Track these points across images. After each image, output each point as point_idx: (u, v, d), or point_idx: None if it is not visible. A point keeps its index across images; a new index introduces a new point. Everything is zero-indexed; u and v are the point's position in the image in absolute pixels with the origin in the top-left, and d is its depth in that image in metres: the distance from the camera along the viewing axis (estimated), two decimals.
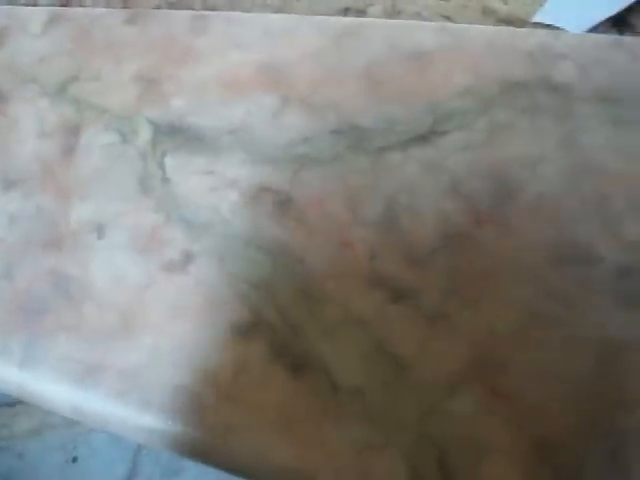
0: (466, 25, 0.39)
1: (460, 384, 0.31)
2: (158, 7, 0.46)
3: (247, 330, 0.34)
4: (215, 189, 0.37)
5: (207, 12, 0.43)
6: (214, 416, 0.33)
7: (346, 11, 0.43)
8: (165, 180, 0.38)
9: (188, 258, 0.36)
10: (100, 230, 0.38)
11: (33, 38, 0.46)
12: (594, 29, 0.39)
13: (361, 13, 0.43)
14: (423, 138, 0.36)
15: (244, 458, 0.32)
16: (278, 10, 0.44)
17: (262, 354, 0.33)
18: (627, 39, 0.38)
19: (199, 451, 0.33)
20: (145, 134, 0.40)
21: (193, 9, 0.46)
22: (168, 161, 0.39)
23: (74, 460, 0.96)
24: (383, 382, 0.32)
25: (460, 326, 0.32)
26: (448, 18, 0.41)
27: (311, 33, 0.40)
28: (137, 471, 0.96)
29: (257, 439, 0.32)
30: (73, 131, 0.42)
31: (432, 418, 0.31)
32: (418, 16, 0.41)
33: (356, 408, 0.32)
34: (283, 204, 0.36)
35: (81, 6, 0.51)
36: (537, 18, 0.40)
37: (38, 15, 0.47)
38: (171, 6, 0.46)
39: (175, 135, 0.39)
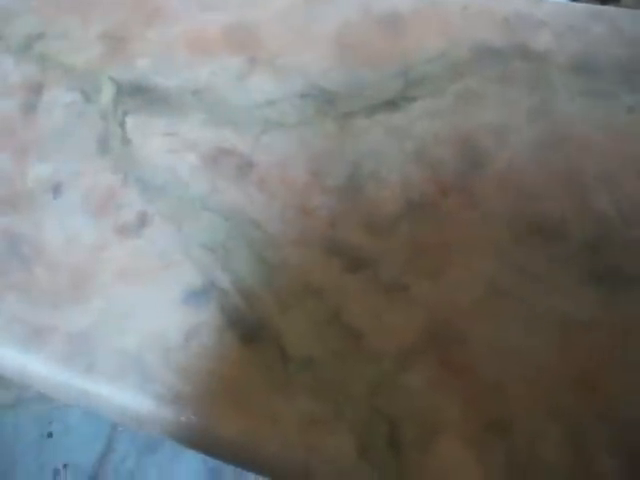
0: None
1: (414, 357, 0.30)
2: None
3: (199, 296, 0.32)
4: (175, 150, 0.36)
5: None
6: (162, 384, 0.31)
7: None
8: (125, 140, 0.37)
9: (143, 220, 0.34)
10: (56, 190, 0.36)
11: None
12: (577, 0, 0.38)
13: None
14: (392, 103, 0.35)
15: (192, 429, 0.31)
16: None
17: (214, 321, 0.32)
18: (608, 9, 0.36)
19: (144, 420, 0.32)
20: (108, 93, 0.38)
21: None
22: (129, 121, 0.37)
23: (49, 435, 0.95)
24: (335, 353, 0.31)
25: (418, 298, 0.31)
26: None
27: None
28: (113, 447, 0.94)
29: (206, 409, 0.31)
30: (36, 89, 0.40)
31: (384, 392, 0.30)
32: None
33: (307, 380, 0.30)
34: (243, 168, 0.35)
35: None
36: None
37: None
38: None
39: (138, 95, 0.38)
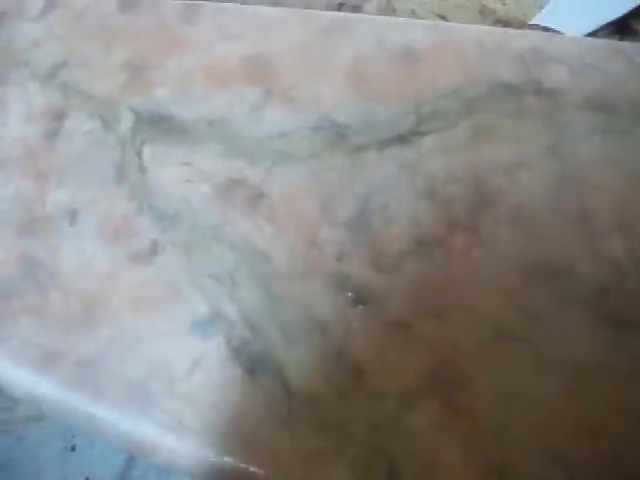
0: (458, 24, 0.38)
1: (417, 397, 0.30)
2: None
3: (206, 326, 0.33)
4: (188, 180, 0.36)
5: (199, 1, 0.42)
6: (165, 412, 0.32)
7: (340, 6, 0.42)
8: (142, 169, 0.37)
9: (155, 249, 0.35)
10: (73, 216, 0.37)
11: (29, 22, 0.46)
12: (594, 34, 0.37)
13: (356, 9, 0.41)
14: (403, 138, 0.35)
15: (193, 459, 0.31)
16: (273, 3, 0.43)
17: (219, 351, 0.32)
18: (625, 44, 0.36)
19: (146, 448, 0.32)
20: (126, 122, 0.39)
21: None
22: (146, 150, 0.38)
23: (72, 449, 0.96)
24: (338, 390, 0.31)
25: (422, 336, 0.31)
26: (443, 17, 0.40)
27: (299, 27, 0.39)
28: (134, 463, 0.95)
29: (208, 440, 0.31)
30: (58, 116, 0.41)
31: (385, 431, 0.29)
32: (413, 14, 0.40)
33: (309, 415, 0.30)
34: (254, 199, 0.35)
35: None
36: (535, 20, 0.38)
37: (36, 0, 0.47)
38: None
39: (155, 124, 0.39)
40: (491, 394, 0.29)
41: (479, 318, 0.30)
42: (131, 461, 0.93)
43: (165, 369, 0.32)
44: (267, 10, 0.41)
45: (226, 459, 0.30)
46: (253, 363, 0.32)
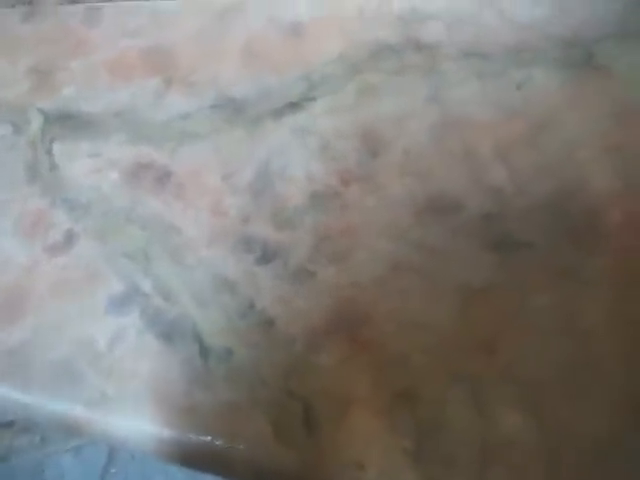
0: None
1: (324, 338, 0.31)
2: (60, 3, 0.47)
3: (122, 302, 0.34)
4: (98, 170, 0.38)
5: (100, 4, 0.44)
6: (91, 389, 0.33)
7: None
8: (53, 166, 0.39)
9: (70, 238, 0.36)
10: None
11: None
12: None
13: None
14: (296, 105, 0.37)
15: (120, 429, 0.32)
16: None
17: (136, 323, 0.33)
18: None
19: (78, 425, 0.33)
20: (36, 123, 0.41)
21: (90, 1, 0.47)
22: (56, 147, 0.39)
23: None
24: (251, 342, 0.32)
25: (325, 282, 0.32)
26: None
27: (194, 14, 0.41)
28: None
29: (131, 409, 0.32)
30: None
31: (297, 374, 0.31)
32: None
33: (225, 370, 0.32)
34: (162, 179, 0.36)
35: None
36: None
37: None
38: (73, 0, 0.47)
39: (64, 122, 0.40)
40: (392, 325, 0.31)
41: (376, 258, 0.32)
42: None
43: (88, 348, 0.33)
44: (164, 4, 0.43)
45: (149, 424, 0.31)
46: (169, 330, 0.33)
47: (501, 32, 0.36)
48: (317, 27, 0.38)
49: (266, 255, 0.33)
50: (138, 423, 0.32)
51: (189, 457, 0.31)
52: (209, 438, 0.31)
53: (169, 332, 0.33)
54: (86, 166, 0.38)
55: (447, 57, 0.36)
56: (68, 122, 0.40)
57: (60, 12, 0.45)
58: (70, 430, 0.34)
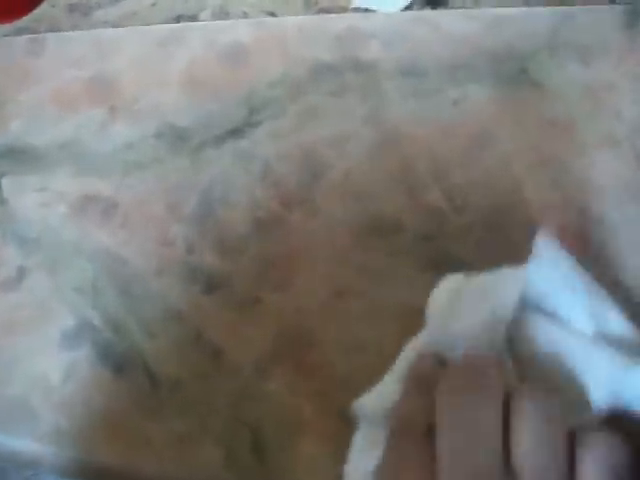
0: (280, 18, 0.40)
1: (271, 364, 0.32)
2: (5, 34, 0.47)
3: (74, 336, 0.34)
4: (47, 204, 0.38)
5: (43, 34, 0.44)
6: (45, 424, 0.33)
7: (179, 18, 0.44)
8: (2, 201, 0.39)
9: (22, 274, 0.37)
10: None
11: None
12: (409, 8, 0.40)
13: (192, 18, 0.44)
14: (238, 131, 0.37)
15: (74, 462, 0.33)
16: (115, 25, 0.45)
17: (87, 357, 0.34)
18: (430, 13, 0.39)
19: (33, 460, 0.33)
20: None
21: (38, 32, 0.47)
22: (5, 182, 0.39)
23: None
24: (200, 372, 0.32)
25: (270, 308, 0.33)
26: (272, 14, 0.42)
27: (137, 43, 0.41)
28: None
29: (85, 442, 0.32)
30: None
31: (244, 401, 0.31)
32: (245, 15, 0.42)
33: (176, 401, 0.32)
34: (108, 210, 0.37)
35: None
36: (355, 4, 0.41)
37: None
38: (19, 32, 0.47)
39: (12, 156, 0.40)
40: (336, 349, 0.31)
41: (319, 282, 0.33)
42: None
43: (42, 383, 0.34)
44: (107, 32, 0.43)
45: (102, 457, 0.32)
46: (120, 362, 0.33)
47: (437, 48, 0.37)
48: (258, 50, 0.39)
49: (211, 284, 0.34)
50: (91, 456, 0.32)
51: None
52: (162, 468, 0.31)
53: (120, 364, 0.33)
54: (35, 200, 0.38)
55: (385, 76, 0.36)
56: (16, 156, 0.40)
57: (5, 44, 0.45)
58: (25, 465, 0.34)
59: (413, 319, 0.31)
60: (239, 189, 0.35)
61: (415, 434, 0.22)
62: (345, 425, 0.29)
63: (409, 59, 0.37)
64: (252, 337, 0.32)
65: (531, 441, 0.20)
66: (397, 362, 0.26)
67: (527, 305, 0.26)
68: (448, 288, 0.26)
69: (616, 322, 0.25)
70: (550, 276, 0.26)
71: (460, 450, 0.21)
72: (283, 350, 0.32)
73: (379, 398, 0.26)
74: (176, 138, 0.38)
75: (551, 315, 0.26)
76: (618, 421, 0.23)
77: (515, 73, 0.36)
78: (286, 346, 0.32)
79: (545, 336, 0.25)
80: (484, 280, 0.26)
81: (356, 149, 0.35)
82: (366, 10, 0.41)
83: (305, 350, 0.31)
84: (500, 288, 0.26)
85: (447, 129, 0.35)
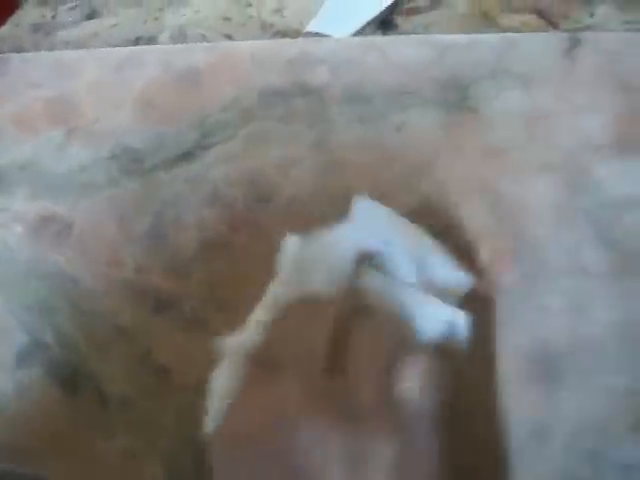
0: (234, 42, 0.42)
1: None
2: None
3: (27, 354, 0.35)
4: (5, 224, 0.39)
5: (7, 54, 0.45)
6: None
7: (138, 40, 0.45)
8: None
9: None
10: None
11: None
12: (360, 33, 0.41)
13: (151, 40, 0.45)
14: (189, 154, 0.38)
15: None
16: (77, 46, 0.46)
17: (39, 376, 0.35)
18: (379, 39, 0.40)
19: None
20: None
21: (2, 51, 0.48)
22: None
23: None
24: (148, 390, 0.33)
25: (215, 328, 0.34)
26: (229, 37, 0.43)
27: (95, 65, 0.42)
28: None
29: (36, 460, 0.33)
30: None
31: (190, 420, 0.32)
32: (203, 38, 0.44)
33: (124, 418, 0.33)
34: (63, 231, 0.38)
35: None
36: (309, 28, 0.42)
37: None
38: None
39: None
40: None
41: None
42: None
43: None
44: (67, 54, 0.44)
45: (49, 473, 0.33)
46: (71, 380, 0.34)
47: (384, 74, 0.38)
48: (212, 74, 0.40)
49: (160, 304, 0.35)
50: (43, 473, 0.33)
51: None
52: None
53: (71, 382, 0.34)
54: None
55: (332, 101, 0.38)
56: None
57: None
58: None
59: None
60: (189, 211, 0.36)
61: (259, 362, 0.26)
62: None
63: (356, 85, 0.38)
64: (198, 357, 0.33)
65: (361, 350, 0.25)
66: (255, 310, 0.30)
67: (359, 260, 0.29)
68: (293, 249, 0.30)
69: (438, 268, 0.30)
70: (374, 232, 0.30)
71: (297, 357, 0.25)
72: None
73: (241, 338, 0.29)
74: (129, 160, 0.39)
75: (380, 267, 0.30)
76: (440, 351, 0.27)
77: (457, 100, 0.37)
78: None
79: (377, 286, 0.29)
80: (322, 240, 0.30)
81: (302, 174, 0.36)
82: (317, 35, 0.42)
83: None
84: (335, 247, 0.30)
85: (390, 155, 0.36)
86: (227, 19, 0.44)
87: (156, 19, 0.46)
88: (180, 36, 0.44)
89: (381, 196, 0.34)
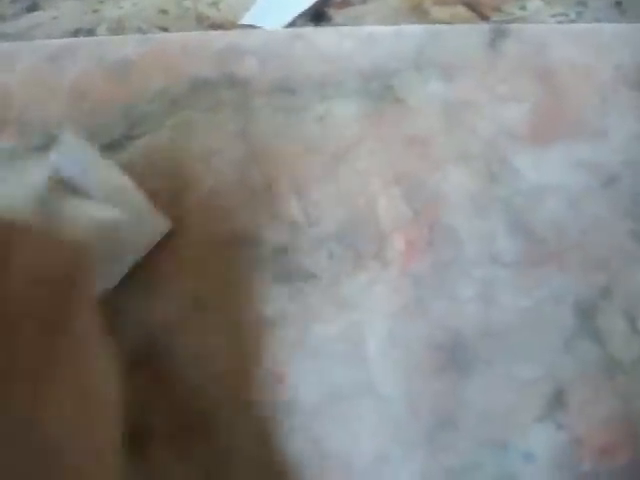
0: (167, 34, 0.42)
1: (127, 373, 0.33)
2: None
3: None
4: None
5: None
6: None
7: (77, 32, 0.45)
8: None
9: None
10: None
11: None
12: (292, 25, 0.41)
13: (90, 32, 0.45)
14: (118, 144, 0.38)
15: None
16: (19, 37, 0.46)
17: None
18: (307, 30, 0.40)
19: None
20: None
21: None
22: None
23: None
24: None
25: (131, 317, 0.34)
26: (165, 29, 0.43)
27: (30, 57, 0.42)
28: None
29: None
30: None
31: None
32: (139, 30, 0.44)
33: None
34: None
35: None
36: (243, 20, 0.42)
37: None
38: None
39: None
40: (190, 360, 0.32)
41: (179, 294, 0.34)
42: None
43: None
44: (2, 46, 0.44)
45: None
46: None
47: (309, 66, 0.38)
48: (143, 65, 0.40)
49: None
50: None
51: None
52: None
53: None
54: None
55: (258, 92, 0.38)
56: None
57: None
58: None
59: (263, 330, 0.32)
60: None
61: None
62: (193, 431, 0.31)
63: (283, 76, 0.38)
64: (113, 345, 0.33)
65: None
66: None
67: (59, 185, 0.32)
68: None
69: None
70: (75, 161, 0.33)
71: None
72: (141, 360, 0.33)
73: None
74: None
75: (77, 191, 0.33)
76: None
77: (381, 90, 0.37)
78: (144, 356, 0.33)
79: (72, 209, 0.32)
80: (20, 164, 0.33)
81: (223, 164, 0.36)
82: (251, 27, 0.42)
83: (162, 360, 0.33)
84: (31, 171, 0.32)
85: (310, 145, 0.36)
86: (164, 12, 0.44)
87: (95, 11, 0.46)
88: (118, 28, 0.44)
89: (300, 186, 0.34)
